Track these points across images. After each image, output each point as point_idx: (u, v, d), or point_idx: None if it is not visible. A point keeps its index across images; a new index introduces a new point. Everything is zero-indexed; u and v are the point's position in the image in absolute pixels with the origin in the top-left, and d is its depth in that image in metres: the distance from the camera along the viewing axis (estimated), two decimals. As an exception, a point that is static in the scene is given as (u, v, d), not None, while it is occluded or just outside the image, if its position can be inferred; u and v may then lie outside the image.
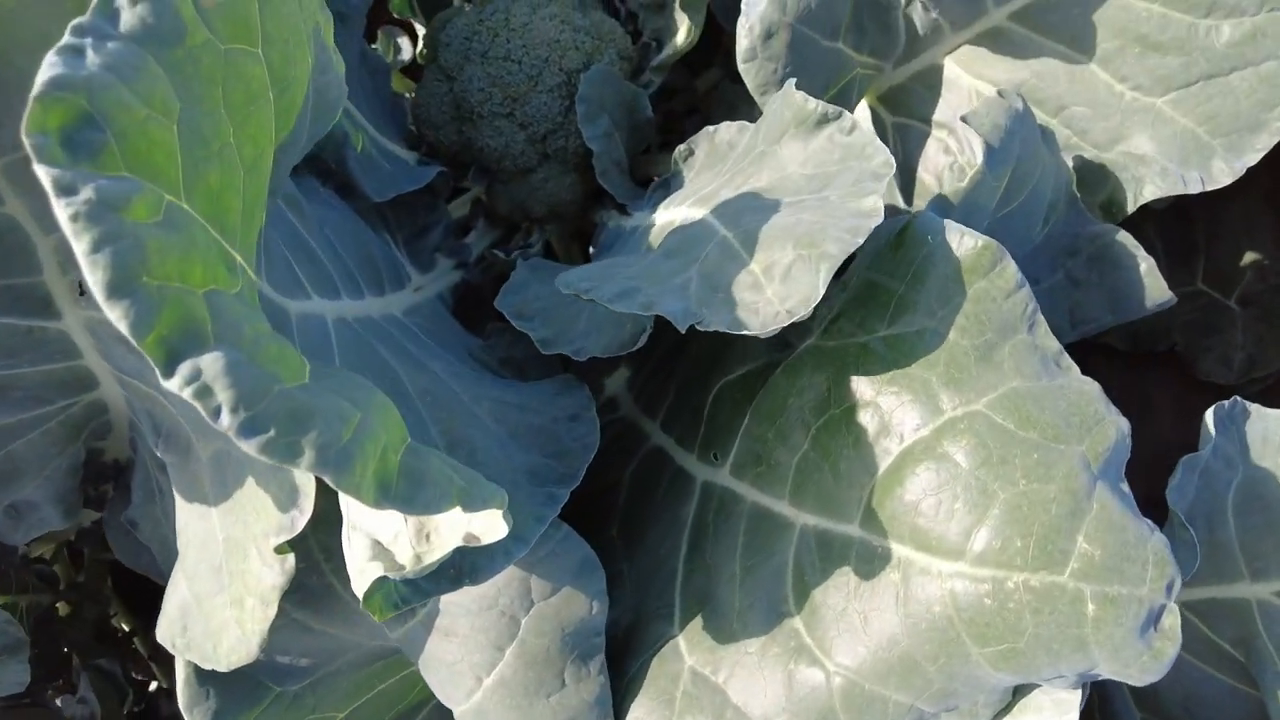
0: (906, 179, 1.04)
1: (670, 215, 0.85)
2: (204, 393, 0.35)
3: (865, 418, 0.64)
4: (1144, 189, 0.89)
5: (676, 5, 1.06)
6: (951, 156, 1.02)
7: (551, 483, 0.68)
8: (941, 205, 0.69)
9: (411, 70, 1.20)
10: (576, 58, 1.03)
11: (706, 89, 1.32)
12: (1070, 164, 0.93)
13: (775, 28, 0.86)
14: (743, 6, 0.86)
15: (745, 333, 0.58)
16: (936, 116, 1.00)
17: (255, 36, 0.46)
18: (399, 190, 0.92)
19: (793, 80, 0.74)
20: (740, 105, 1.35)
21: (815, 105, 0.71)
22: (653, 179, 1.23)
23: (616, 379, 0.98)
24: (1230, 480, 0.83)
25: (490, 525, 0.46)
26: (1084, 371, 0.61)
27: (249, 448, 0.36)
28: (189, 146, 0.41)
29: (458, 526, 0.46)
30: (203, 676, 0.71)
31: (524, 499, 0.64)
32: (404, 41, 1.19)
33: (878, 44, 0.97)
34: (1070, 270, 0.92)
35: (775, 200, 0.68)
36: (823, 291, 0.57)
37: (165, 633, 0.69)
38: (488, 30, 1.02)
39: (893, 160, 0.65)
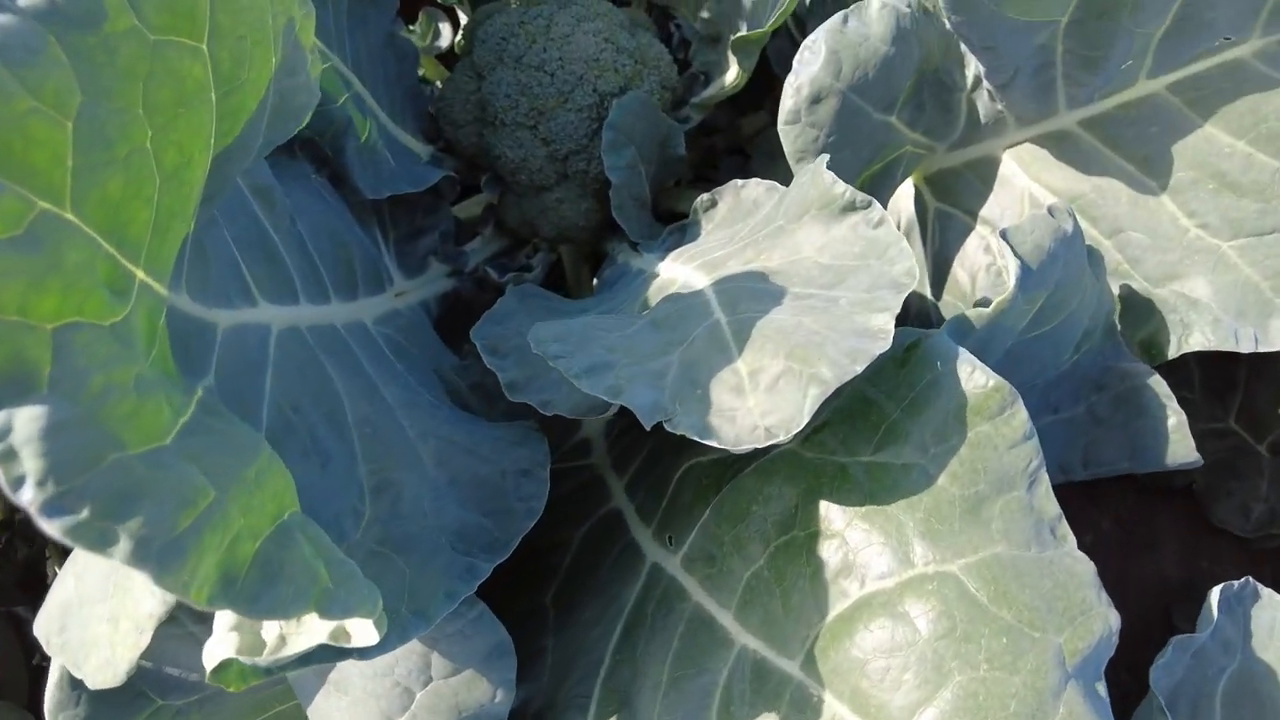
0: (940, 269, 0.97)
1: (674, 272, 0.79)
2: (7, 456, 0.29)
3: (828, 550, 0.57)
4: (1191, 336, 0.81)
5: (730, 44, 1.00)
6: (991, 257, 0.95)
7: (479, 549, 0.62)
8: (960, 327, 0.62)
9: (448, 58, 1.14)
10: (614, 80, 0.96)
11: (752, 131, 1.25)
12: (1115, 290, 0.86)
13: (825, 93, 0.79)
14: (794, 64, 0.80)
15: (713, 444, 0.51)
16: (984, 211, 0.93)
17: (200, 29, 0.40)
18: (396, 190, 0.86)
19: (825, 158, 0.68)
20: (781, 157, 1.28)
21: (843, 190, 0.64)
22: (676, 212, 1.17)
23: (596, 420, 0.92)
24: (1225, 667, 0.76)
25: (360, 630, 0.40)
26: (1092, 492, 0.55)
27: (52, 529, 0.30)
28: (86, 148, 0.35)
29: (321, 626, 0.40)
30: (75, 680, 0.65)
31: (439, 569, 0.58)
32: (445, 26, 1.13)
33: (934, 124, 0.90)
34: (1094, 405, 0.85)
35: (781, 288, 0.62)
36: (806, 420, 0.50)
37: (42, 628, 0.64)
38: (526, 34, 0.96)
39: (915, 270, 0.59)
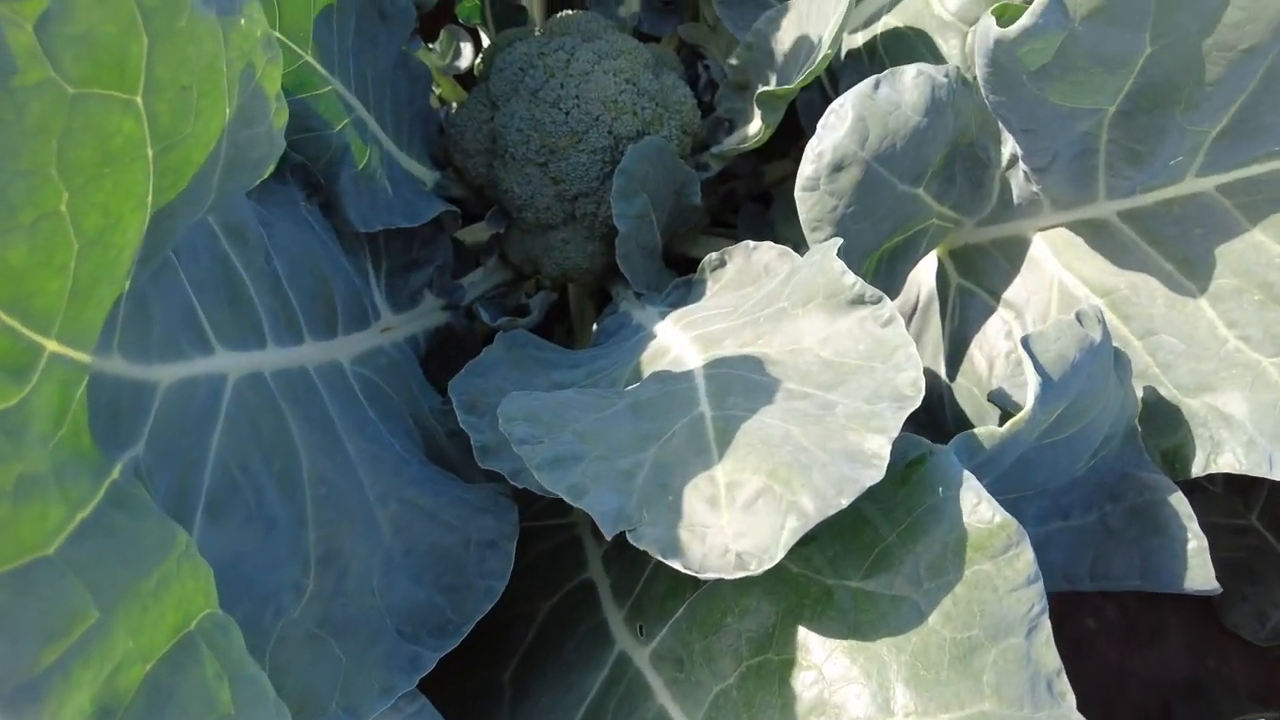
0: (957, 348, 0.92)
1: (670, 339, 0.74)
2: None
3: (803, 682, 0.52)
4: (1221, 455, 0.75)
5: (755, 97, 0.95)
6: (1011, 344, 0.89)
7: (428, 633, 0.57)
8: (969, 447, 0.57)
9: (467, 79, 1.10)
10: (631, 123, 0.92)
11: (774, 179, 1.20)
12: (1140, 394, 0.80)
13: (847, 161, 0.74)
14: (818, 127, 0.75)
15: (677, 566, 0.46)
16: (1008, 294, 0.88)
17: (133, 81, 0.36)
18: (389, 224, 0.82)
19: (837, 243, 0.63)
20: None
21: (852, 282, 0.59)
22: (689, 257, 1.13)
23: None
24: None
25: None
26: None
27: None
28: (-18, 215, 0.31)
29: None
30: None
31: (379, 658, 0.53)
32: (467, 46, 1.09)
33: (963, 199, 0.85)
34: (1107, 515, 0.79)
35: (775, 382, 0.57)
36: (781, 555, 0.45)
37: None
38: (545, 67, 0.92)
39: (921, 383, 0.54)
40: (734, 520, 0.47)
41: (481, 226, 1.06)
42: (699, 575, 0.46)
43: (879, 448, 0.48)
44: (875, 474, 0.47)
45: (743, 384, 0.57)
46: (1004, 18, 0.64)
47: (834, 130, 0.74)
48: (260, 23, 0.42)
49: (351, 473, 0.64)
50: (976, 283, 0.92)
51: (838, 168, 0.74)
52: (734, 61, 0.96)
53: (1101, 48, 0.64)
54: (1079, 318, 0.64)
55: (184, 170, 0.40)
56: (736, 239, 1.13)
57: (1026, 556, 0.51)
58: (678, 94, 0.97)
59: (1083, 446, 0.74)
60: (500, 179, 0.95)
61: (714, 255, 0.86)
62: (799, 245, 1.09)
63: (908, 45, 0.85)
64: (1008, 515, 0.51)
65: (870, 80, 0.75)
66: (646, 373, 0.68)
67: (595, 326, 0.99)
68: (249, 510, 0.55)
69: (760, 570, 0.45)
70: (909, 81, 0.75)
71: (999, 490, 0.73)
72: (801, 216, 0.76)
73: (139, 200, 0.38)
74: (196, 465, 0.52)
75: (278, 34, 0.68)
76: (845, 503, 0.46)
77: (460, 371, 0.75)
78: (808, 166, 0.75)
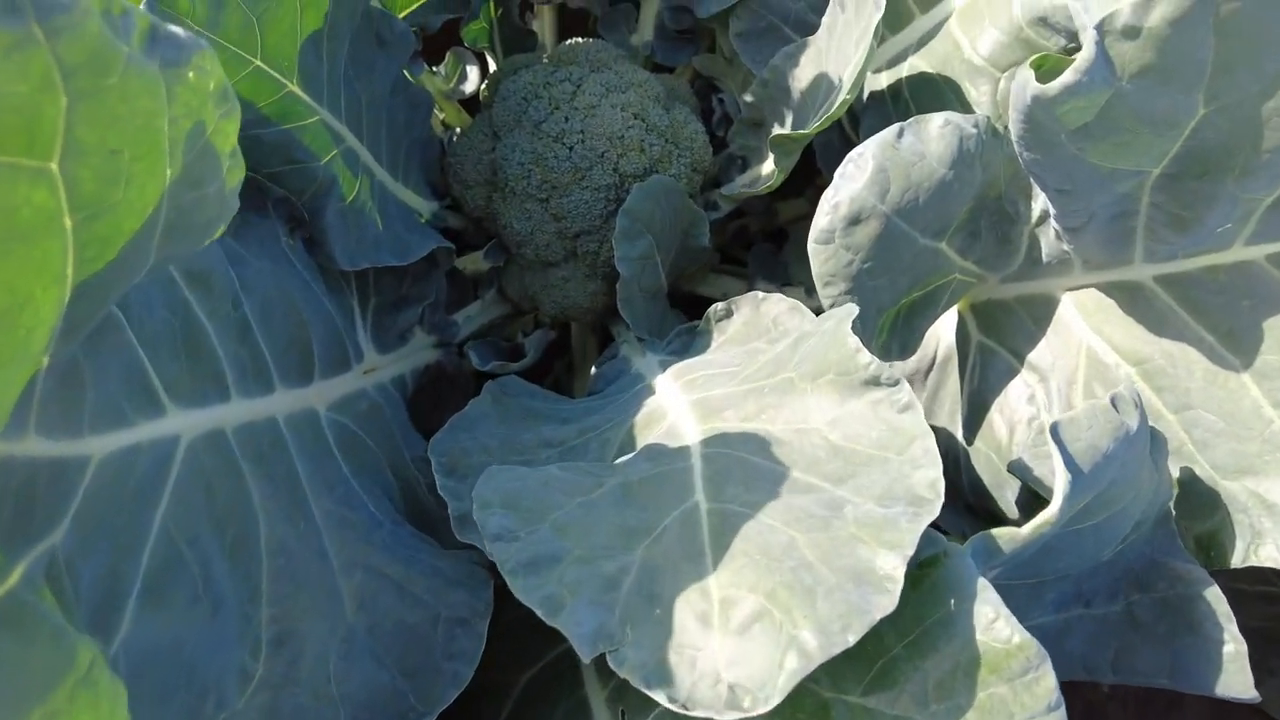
0: (976, 410, 0.86)
1: (668, 399, 0.69)
2: None
3: (791, 811, 0.47)
4: (1263, 546, 0.70)
5: (769, 139, 0.90)
6: (1034, 409, 0.83)
7: (386, 727, 0.52)
8: (986, 549, 0.51)
9: (473, 104, 1.06)
10: (638, 161, 0.87)
11: (788, 218, 1.15)
12: (1175, 473, 0.75)
13: (866, 214, 0.69)
14: (835, 176, 0.70)
15: (661, 700, 0.41)
16: (1032, 355, 0.82)
17: (47, 146, 0.31)
18: (377, 261, 0.77)
19: (851, 312, 0.58)
20: None
21: (868, 361, 0.54)
22: (696, 296, 1.08)
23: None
24: None
25: None
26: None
27: None
28: None
29: None
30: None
31: (326, 761, 0.48)
32: (473, 70, 1.05)
33: (988, 254, 0.80)
34: (1134, 606, 0.73)
35: (778, 470, 0.52)
36: (779, 699, 0.40)
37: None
38: (549, 99, 0.87)
39: (941, 485, 0.48)
40: (727, 645, 0.42)
41: (480, 255, 1.01)
42: (687, 712, 0.41)
43: (892, 569, 0.43)
44: (888, 602, 0.42)
45: (743, 469, 0.52)
46: (1043, 69, 0.59)
47: (852, 181, 0.69)
48: (213, 74, 0.37)
49: (315, 539, 0.59)
50: (999, 341, 0.86)
51: (855, 221, 0.69)
52: (749, 98, 0.91)
53: (1150, 108, 0.59)
54: (1114, 402, 0.59)
55: (113, 239, 0.36)
56: (748, 278, 1.09)
57: (1048, 682, 0.46)
58: (689, 130, 0.92)
59: (1111, 534, 0.69)
60: (499, 213, 0.91)
61: (720, 305, 0.81)
62: (811, 289, 1.04)
63: (935, 90, 0.80)
64: (1027, 635, 0.45)
65: (893, 128, 0.70)
66: (640, 440, 0.63)
67: (594, 369, 0.94)
68: (195, 589, 0.50)
69: (755, 712, 0.40)
70: (935, 131, 0.70)
71: (1017, 576, 0.67)
72: (814, 271, 0.71)
73: (55, 275, 0.34)
74: (134, 544, 0.47)
75: (259, 62, 0.64)
76: (852, 640, 0.40)
77: (444, 426, 0.70)
78: (822, 218, 0.70)
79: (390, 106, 0.84)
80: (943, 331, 0.89)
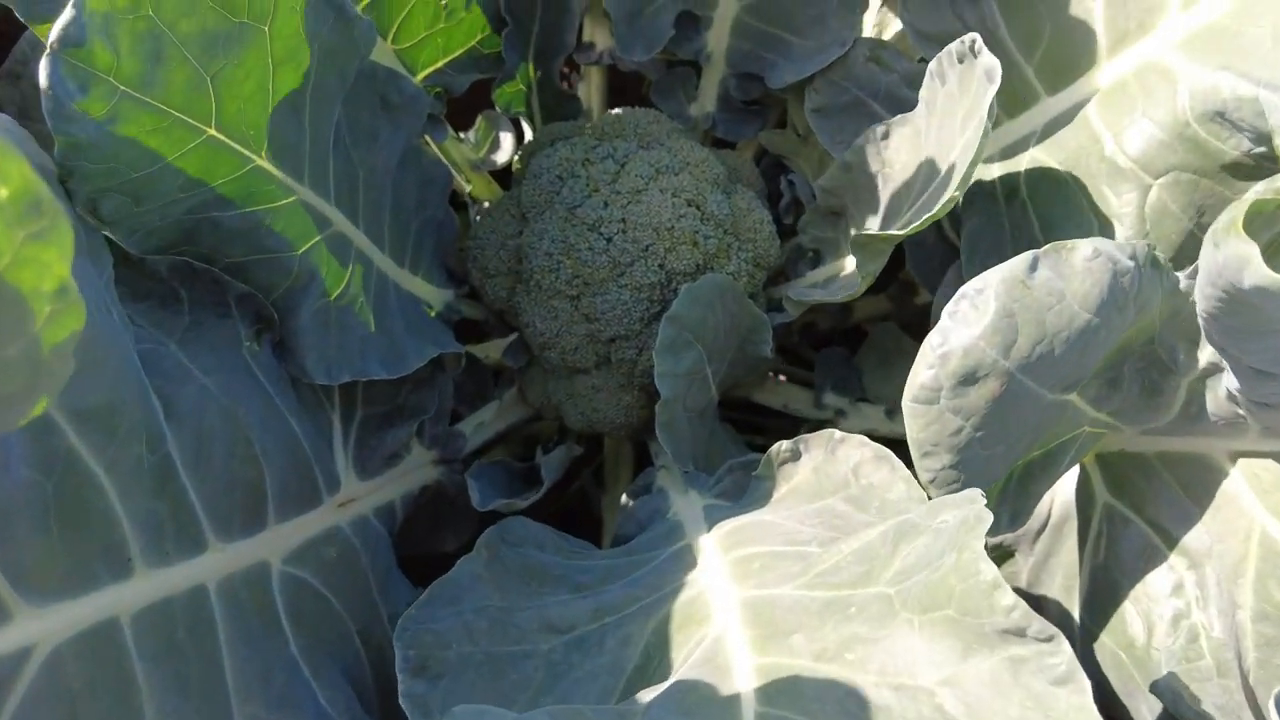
0: (1100, 591, 0.68)
1: (712, 580, 0.52)
2: None
3: None
4: None
5: (851, 239, 0.74)
6: (1183, 602, 0.65)
7: None
8: None
9: (506, 175, 0.92)
10: (689, 256, 0.72)
11: (864, 316, 0.99)
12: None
13: (983, 371, 0.53)
14: (942, 315, 0.54)
15: None
16: (1181, 534, 0.64)
17: None
18: (361, 374, 0.63)
19: (983, 518, 0.41)
20: (899, 360, 1.01)
21: (1010, 604, 0.37)
22: (753, 404, 0.92)
23: None
24: None
25: None
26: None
27: None
28: None
29: None
30: None
31: None
32: (507, 138, 0.91)
33: (1130, 405, 0.63)
34: None
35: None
36: None
37: None
38: (587, 178, 0.73)
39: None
40: None
41: (496, 345, 0.86)
42: None
43: None
44: None
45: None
46: (1259, 216, 0.42)
47: (967, 326, 0.53)
48: (8, 179, 0.23)
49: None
50: (1134, 507, 0.68)
51: (969, 379, 0.53)
52: (826, 183, 0.75)
53: None
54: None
55: None
56: (814, 386, 0.92)
57: None
58: (752, 218, 0.77)
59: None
60: (522, 309, 0.76)
61: (785, 446, 0.64)
62: (893, 410, 0.87)
63: (1063, 192, 0.64)
64: None
65: (1024, 260, 0.53)
66: (675, 654, 0.47)
67: (625, 497, 0.78)
68: None
69: None
70: (1080, 265, 0.53)
71: None
72: (910, 434, 0.55)
73: None
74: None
75: (213, 132, 0.50)
76: None
77: (421, 597, 0.54)
78: (925, 371, 0.54)
79: (397, 181, 0.70)
80: (1059, 485, 0.72)
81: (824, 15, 0.74)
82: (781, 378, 0.99)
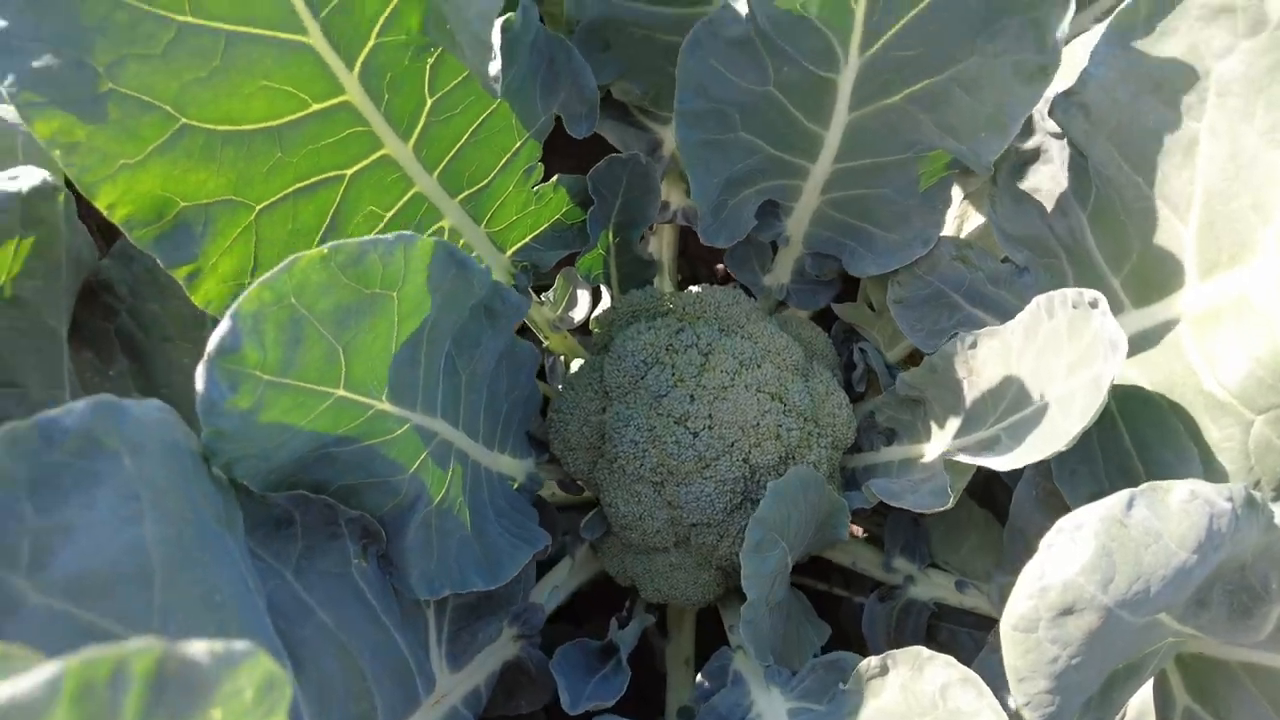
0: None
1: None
2: None
3: None
4: None
5: (932, 422, 0.75)
6: (1274, 830, 0.65)
7: None
8: None
9: (581, 329, 0.94)
10: (773, 450, 0.73)
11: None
12: None
13: (1081, 606, 0.54)
14: (1041, 546, 0.55)
15: None
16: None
17: None
18: (462, 586, 0.64)
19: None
20: (969, 529, 1.00)
21: None
22: (832, 564, 0.92)
23: None
24: None
25: None
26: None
27: None
28: None
29: None
30: None
31: None
32: (584, 296, 0.93)
33: (1217, 623, 0.63)
34: None
35: None
36: None
37: None
38: (672, 368, 0.75)
39: None
40: None
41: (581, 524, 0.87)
42: None
43: None
44: None
45: None
46: None
47: (1066, 561, 0.54)
48: (250, 682, 0.25)
49: None
50: (1215, 714, 0.68)
51: (1067, 612, 0.54)
52: (909, 379, 0.76)
53: None
54: None
55: None
56: (884, 548, 0.93)
57: None
58: (831, 403, 0.78)
59: None
60: (604, 486, 0.78)
61: (873, 662, 0.65)
62: (964, 583, 0.87)
63: (1157, 417, 0.65)
64: None
65: (1121, 498, 0.55)
66: None
67: (699, 677, 0.79)
68: None
69: None
70: (1177, 507, 0.54)
71: None
72: (1008, 660, 0.56)
73: None
74: None
75: (342, 392, 0.52)
76: None
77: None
78: (1025, 601, 0.55)
79: (494, 376, 0.72)
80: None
81: (907, 212, 0.75)
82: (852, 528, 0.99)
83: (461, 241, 0.77)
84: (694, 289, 0.83)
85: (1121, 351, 0.55)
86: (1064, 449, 0.58)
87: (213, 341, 0.44)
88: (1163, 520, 0.54)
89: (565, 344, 0.94)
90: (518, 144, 0.74)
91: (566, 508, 0.90)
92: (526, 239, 0.82)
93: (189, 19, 0.52)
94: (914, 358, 0.87)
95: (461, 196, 0.74)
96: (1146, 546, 0.54)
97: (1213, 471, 0.62)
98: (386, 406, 0.57)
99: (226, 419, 0.46)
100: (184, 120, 0.54)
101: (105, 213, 0.54)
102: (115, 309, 0.76)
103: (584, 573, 0.88)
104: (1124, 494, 0.55)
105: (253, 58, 0.55)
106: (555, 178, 0.81)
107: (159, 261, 0.57)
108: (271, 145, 0.59)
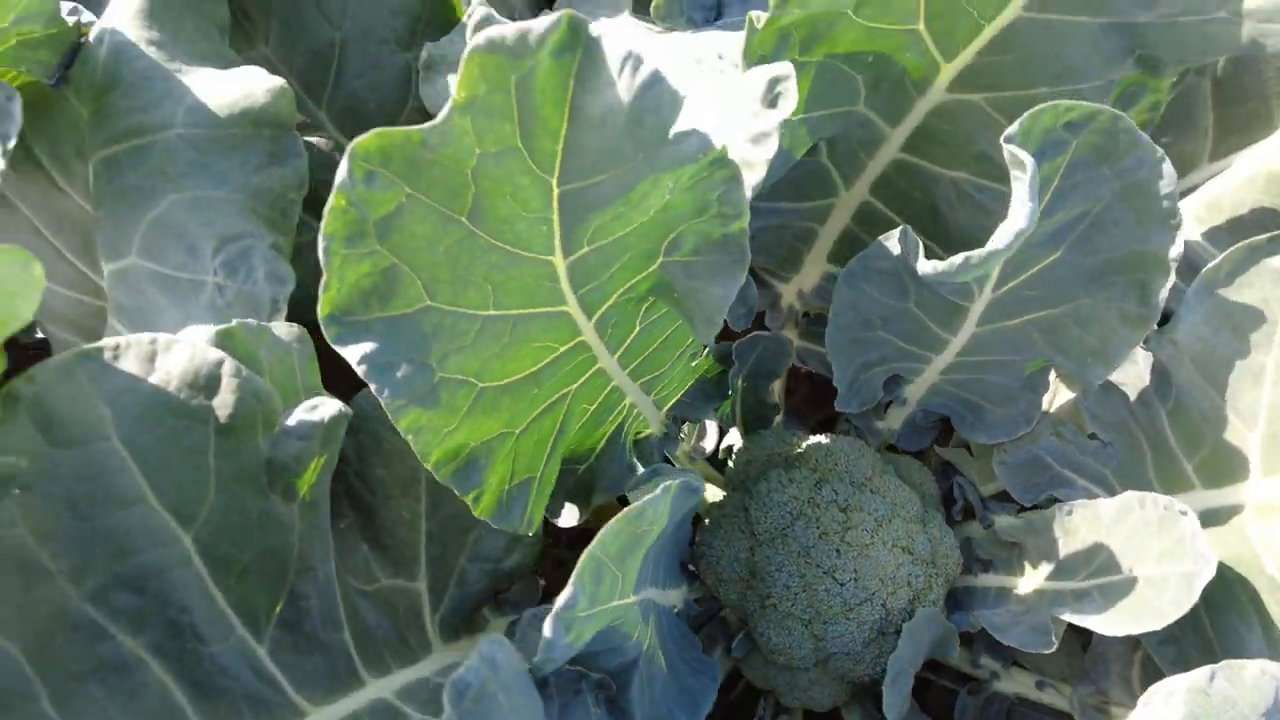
0: None
1: None
2: None
3: None
4: None
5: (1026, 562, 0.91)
6: None
7: None
8: None
9: (711, 459, 1.10)
10: (905, 596, 0.89)
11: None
12: None
13: (1175, 761, 0.69)
14: (1138, 706, 0.71)
15: None
16: None
17: None
18: (673, 725, 0.80)
19: None
20: (1060, 654, 1.16)
21: None
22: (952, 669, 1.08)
23: None
24: None
25: None
26: None
27: None
28: None
29: None
30: None
31: None
32: (712, 426, 1.09)
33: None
34: None
35: None
36: None
37: None
38: (817, 523, 0.90)
39: None
40: None
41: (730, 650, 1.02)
42: None
43: None
44: None
45: None
46: None
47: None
48: None
49: None
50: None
51: None
52: (1010, 531, 0.92)
53: None
54: None
55: None
56: (971, 646, 1.09)
57: None
58: (945, 546, 0.94)
59: None
60: (754, 618, 0.93)
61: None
62: (1043, 683, 1.04)
63: (1226, 589, 0.80)
64: None
65: (1204, 672, 0.70)
66: None
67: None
68: None
69: None
70: (1250, 680, 0.70)
71: None
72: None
73: None
74: None
75: (616, 602, 0.67)
76: None
77: None
78: (1127, 757, 0.71)
79: (675, 539, 0.87)
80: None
81: (1012, 393, 0.91)
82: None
83: (634, 406, 0.92)
84: (822, 440, 0.99)
85: (1213, 565, 0.70)
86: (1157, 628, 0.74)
87: (559, 601, 0.59)
88: (1239, 690, 0.70)
89: (703, 469, 1.09)
90: (690, 339, 0.89)
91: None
92: (678, 396, 0.97)
93: (490, 312, 0.67)
94: (1004, 494, 1.03)
95: (642, 381, 0.89)
96: (1224, 711, 0.70)
97: (1273, 641, 0.78)
98: (631, 599, 0.72)
99: (561, 650, 0.61)
100: (480, 385, 0.69)
101: (431, 468, 0.68)
102: (344, 472, 0.91)
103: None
104: (1207, 669, 0.70)
105: (531, 331, 0.70)
106: (706, 349, 0.95)
107: (455, 490, 0.71)
108: (531, 385, 0.74)
